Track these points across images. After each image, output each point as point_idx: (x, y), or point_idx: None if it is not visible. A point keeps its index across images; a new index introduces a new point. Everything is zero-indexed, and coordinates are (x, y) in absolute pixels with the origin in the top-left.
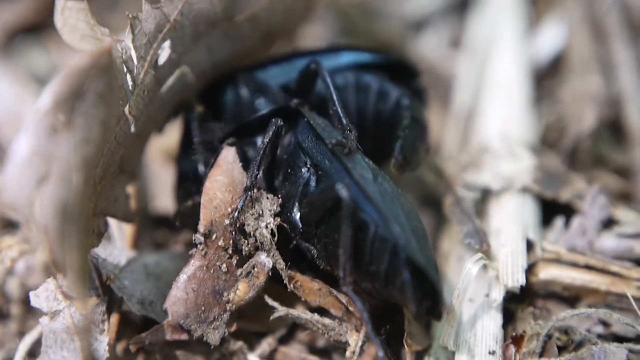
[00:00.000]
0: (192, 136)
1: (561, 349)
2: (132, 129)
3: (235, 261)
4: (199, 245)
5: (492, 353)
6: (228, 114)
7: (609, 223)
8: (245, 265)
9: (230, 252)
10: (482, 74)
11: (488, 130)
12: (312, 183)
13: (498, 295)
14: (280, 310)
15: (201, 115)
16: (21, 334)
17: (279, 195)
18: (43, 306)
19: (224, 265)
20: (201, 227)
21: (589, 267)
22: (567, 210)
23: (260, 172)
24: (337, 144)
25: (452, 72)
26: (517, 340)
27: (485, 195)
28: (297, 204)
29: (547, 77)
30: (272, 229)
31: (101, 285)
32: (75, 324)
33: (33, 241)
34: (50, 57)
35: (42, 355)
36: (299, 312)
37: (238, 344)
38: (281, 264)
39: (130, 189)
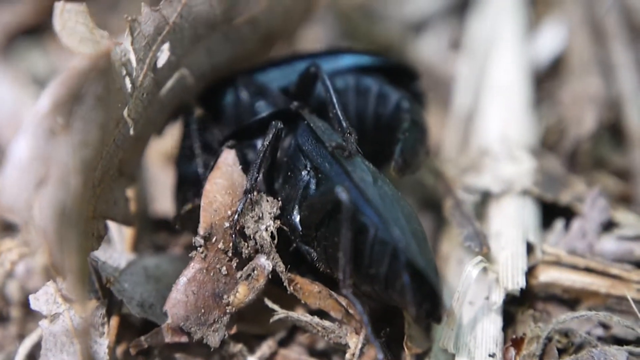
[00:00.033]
0: (191, 139)
1: (561, 352)
2: (131, 132)
3: (235, 264)
4: (198, 248)
5: (492, 356)
6: (228, 116)
7: (609, 225)
8: (245, 267)
9: (230, 254)
10: (481, 75)
11: (488, 132)
12: (312, 186)
13: (498, 298)
14: (280, 312)
15: (201, 118)
16: (21, 336)
17: (279, 198)
18: (43, 309)
19: (224, 267)
20: (201, 230)
21: (589, 270)
22: (567, 213)
23: (260, 175)
24: (337, 147)
25: (451, 74)
26: (517, 343)
27: (485, 198)
28: (297, 207)
29: (546, 79)
30: (272, 232)
31: (101, 288)
32: (75, 327)
33: (33, 244)
34: (50, 59)
35: (42, 358)
36: (299, 315)
37: (238, 347)
38: (281, 267)
39: (130, 192)
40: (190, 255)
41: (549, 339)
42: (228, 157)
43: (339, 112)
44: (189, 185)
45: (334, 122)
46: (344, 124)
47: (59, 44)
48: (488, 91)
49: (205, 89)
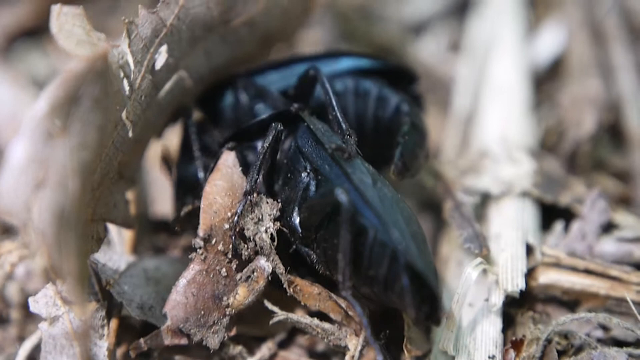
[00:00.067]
0: (191, 141)
1: (561, 354)
2: (130, 134)
3: (234, 265)
4: (198, 250)
5: (492, 358)
6: (227, 119)
7: (608, 227)
8: (245, 269)
9: (229, 256)
10: (481, 77)
11: (487, 134)
12: (312, 188)
13: (498, 300)
14: (280, 314)
15: (200, 121)
16: (21, 339)
17: (279, 200)
18: (42, 312)
19: (224, 269)
20: (201, 232)
21: (588, 272)
22: (567, 215)
23: (260, 177)
24: (336, 149)
25: (451, 76)
26: (517, 345)
27: (485, 200)
28: (296, 209)
29: (546, 81)
30: (271, 234)
31: (101, 291)
32: (75, 329)
33: (32, 246)
34: (49, 61)
35: None
36: (299, 317)
37: (238, 349)
38: (281, 269)
39: (130, 194)
40: (190, 257)
41: (548, 341)
42: (228, 159)
43: (338, 115)
44: (189, 188)
45: (334, 125)
46: (344, 126)
47: (58, 46)
48: (488, 93)
49: (204, 91)
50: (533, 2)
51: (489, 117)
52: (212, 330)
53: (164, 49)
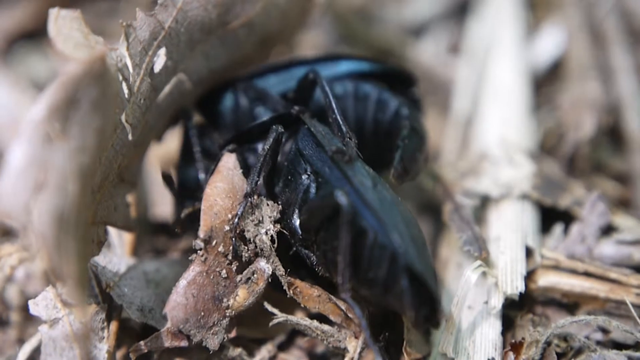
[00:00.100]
0: (191, 144)
1: (560, 356)
2: (130, 137)
3: (235, 267)
4: (199, 251)
5: None
6: (226, 122)
7: (608, 230)
8: (245, 271)
9: (230, 258)
10: (481, 80)
11: (487, 136)
12: (312, 190)
13: (497, 302)
14: (280, 316)
15: (200, 124)
16: (21, 341)
17: (279, 202)
18: (42, 314)
19: (224, 271)
20: (201, 233)
21: (588, 274)
22: (566, 217)
23: (261, 179)
24: (337, 152)
25: (450, 78)
26: (516, 347)
27: (485, 202)
28: (297, 211)
29: (546, 83)
30: (272, 236)
31: (101, 293)
32: (75, 332)
33: (32, 249)
34: (49, 63)
35: None
36: (298, 319)
37: (237, 351)
38: (281, 270)
39: (130, 197)
40: (190, 258)
41: (548, 344)
42: (229, 161)
43: (338, 117)
44: (189, 190)
45: (334, 127)
46: (344, 129)
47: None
48: (487, 95)
49: (204, 94)
50: (532, 4)
51: (489, 120)
52: (211, 331)
53: (162, 51)
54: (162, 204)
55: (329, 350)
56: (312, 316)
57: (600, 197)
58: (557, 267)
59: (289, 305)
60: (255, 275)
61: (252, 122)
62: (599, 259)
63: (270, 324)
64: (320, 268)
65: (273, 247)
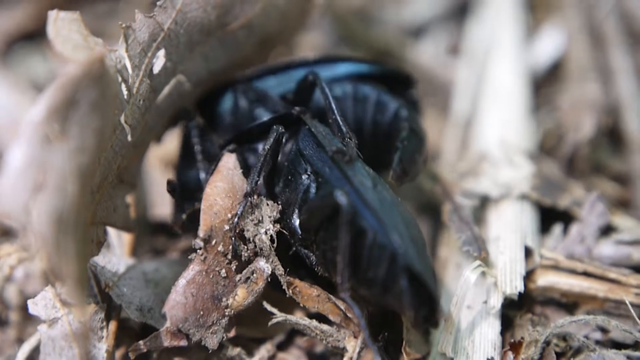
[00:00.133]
0: (191, 145)
1: (559, 356)
2: (129, 138)
3: (234, 267)
4: (198, 250)
5: None
6: (226, 124)
7: (607, 230)
8: (245, 270)
9: (229, 257)
10: (480, 81)
11: (486, 137)
12: (312, 190)
13: (496, 302)
14: (279, 316)
15: (199, 125)
16: (20, 341)
17: (279, 202)
18: (41, 314)
19: (223, 270)
20: (201, 232)
21: (587, 274)
22: (566, 218)
23: (261, 179)
24: (337, 152)
25: (450, 79)
26: (516, 347)
27: (484, 203)
28: (296, 211)
29: (545, 85)
30: (271, 235)
31: (100, 293)
32: (74, 332)
33: (31, 249)
34: (49, 64)
35: None
36: (298, 318)
37: (236, 350)
38: (280, 270)
39: (130, 198)
40: (189, 257)
41: (547, 343)
42: (229, 161)
43: (338, 118)
44: (188, 190)
45: (334, 128)
46: (344, 129)
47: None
48: (487, 96)
49: (203, 96)
50: (532, 5)
51: (488, 120)
52: (210, 330)
53: (161, 53)
54: (161, 205)
55: (328, 349)
56: (311, 316)
57: (599, 198)
58: (556, 267)
59: (288, 304)
60: (254, 275)
61: (252, 123)
62: (598, 259)
63: (270, 323)
64: (319, 268)
65: (272, 246)
